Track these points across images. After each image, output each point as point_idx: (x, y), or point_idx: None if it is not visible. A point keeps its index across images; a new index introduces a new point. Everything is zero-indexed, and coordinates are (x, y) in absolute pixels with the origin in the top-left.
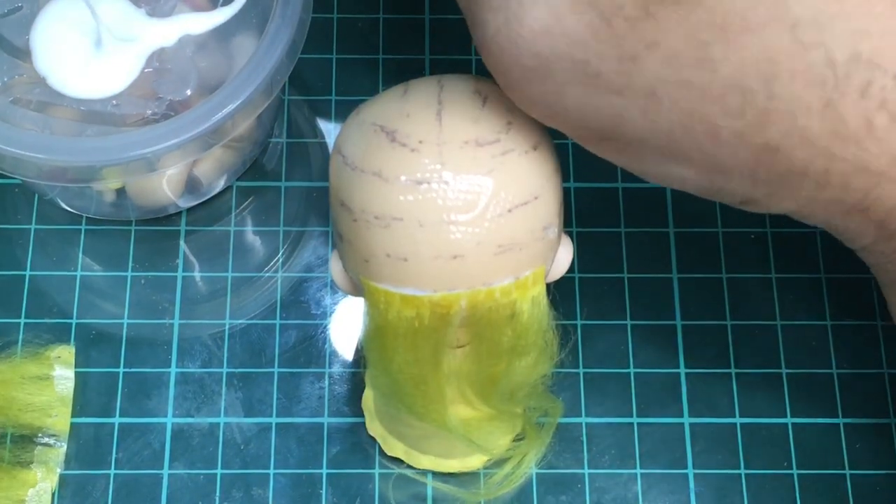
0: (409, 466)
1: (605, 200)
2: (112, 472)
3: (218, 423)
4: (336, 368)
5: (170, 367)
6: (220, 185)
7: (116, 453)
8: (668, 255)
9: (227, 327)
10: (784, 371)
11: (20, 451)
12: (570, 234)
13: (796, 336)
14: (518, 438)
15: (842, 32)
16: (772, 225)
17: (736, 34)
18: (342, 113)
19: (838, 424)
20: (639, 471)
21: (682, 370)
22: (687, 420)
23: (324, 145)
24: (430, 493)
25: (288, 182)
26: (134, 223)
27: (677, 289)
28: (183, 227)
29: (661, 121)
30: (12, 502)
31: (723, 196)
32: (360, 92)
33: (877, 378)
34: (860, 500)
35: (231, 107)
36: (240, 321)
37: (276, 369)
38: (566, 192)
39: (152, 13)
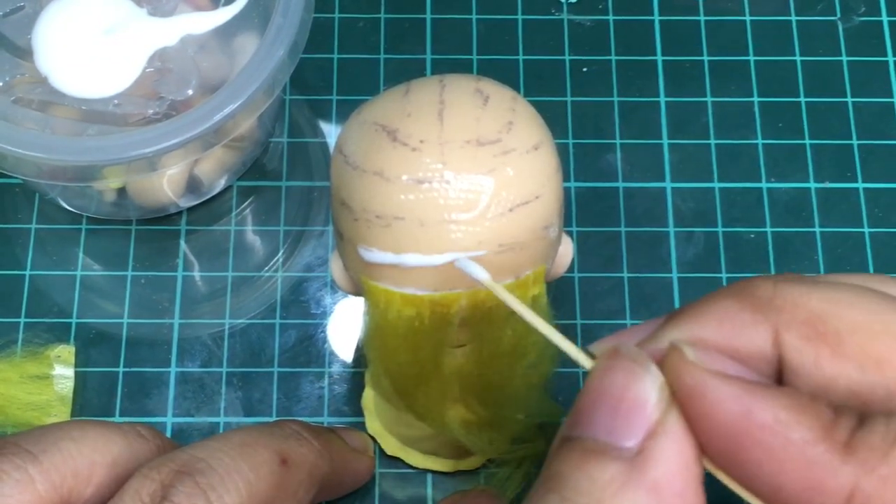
0: (409, 466)
1: (605, 200)
2: None
3: (218, 423)
4: (336, 368)
5: (170, 366)
6: (221, 184)
7: None
8: (668, 254)
9: (227, 327)
10: None
11: None
12: (570, 233)
13: None
14: (517, 440)
15: None
16: (772, 225)
17: None
18: (343, 113)
19: None
20: None
21: None
22: None
23: (324, 145)
24: (429, 492)
25: (288, 182)
26: (134, 223)
27: (677, 289)
28: (183, 227)
29: None
30: None
31: None
32: (361, 92)
33: None
34: None
35: (232, 107)
36: (240, 321)
37: (275, 369)
38: (566, 192)
39: (154, 13)
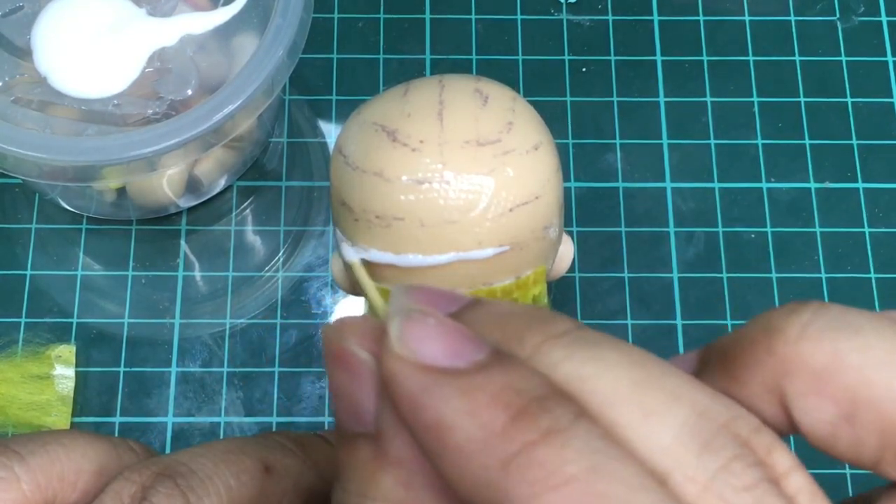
0: None
1: (605, 200)
2: None
3: (218, 423)
4: None
5: (170, 366)
6: (221, 184)
7: None
8: (668, 254)
9: (227, 327)
10: None
11: None
12: (570, 234)
13: None
14: None
15: None
16: (772, 225)
17: None
18: (343, 113)
19: None
20: None
21: None
22: None
23: (324, 145)
24: None
25: (288, 182)
26: (134, 223)
27: (678, 289)
28: (183, 227)
29: None
30: None
31: None
32: (360, 92)
33: None
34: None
35: (232, 107)
36: (240, 321)
37: (276, 369)
38: (566, 192)
39: (153, 13)
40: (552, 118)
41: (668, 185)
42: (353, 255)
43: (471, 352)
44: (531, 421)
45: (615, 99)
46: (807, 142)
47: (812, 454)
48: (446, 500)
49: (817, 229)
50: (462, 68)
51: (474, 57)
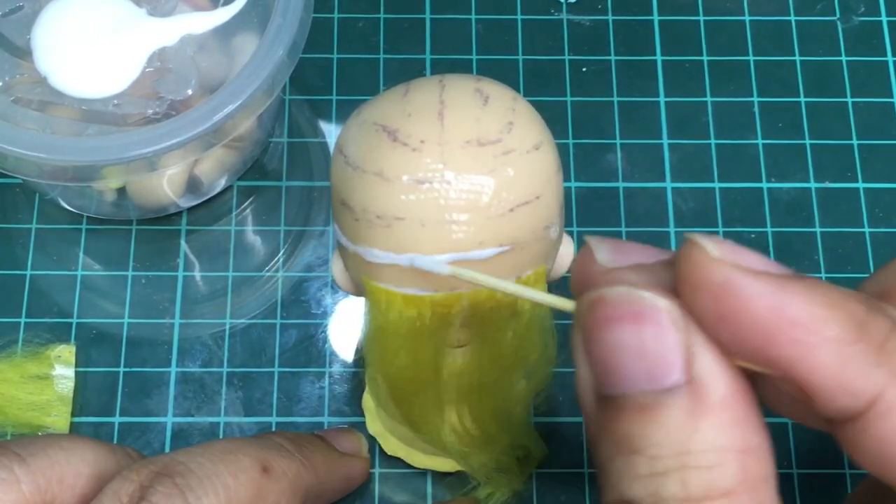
0: (409, 466)
1: (606, 200)
2: None
3: (218, 423)
4: (336, 368)
5: (170, 366)
6: (221, 184)
7: None
8: None
9: (227, 327)
10: None
11: None
12: (570, 233)
13: None
14: (500, 469)
15: None
16: (772, 225)
17: None
18: (343, 113)
19: None
20: None
21: None
22: None
23: (324, 145)
24: (429, 491)
25: (288, 182)
26: (135, 223)
27: None
28: (183, 227)
29: None
30: None
31: None
32: (360, 92)
33: None
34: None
35: (232, 107)
36: (240, 321)
37: (276, 369)
38: (566, 192)
39: (153, 13)
40: (552, 118)
41: (669, 185)
42: (443, 267)
43: (776, 267)
44: (881, 319)
45: (615, 99)
46: (807, 142)
47: (808, 453)
48: (762, 426)
49: (817, 229)
50: (462, 68)
51: (474, 57)
